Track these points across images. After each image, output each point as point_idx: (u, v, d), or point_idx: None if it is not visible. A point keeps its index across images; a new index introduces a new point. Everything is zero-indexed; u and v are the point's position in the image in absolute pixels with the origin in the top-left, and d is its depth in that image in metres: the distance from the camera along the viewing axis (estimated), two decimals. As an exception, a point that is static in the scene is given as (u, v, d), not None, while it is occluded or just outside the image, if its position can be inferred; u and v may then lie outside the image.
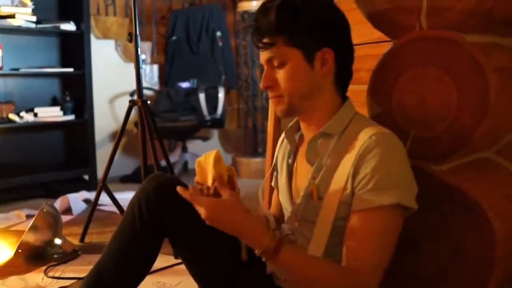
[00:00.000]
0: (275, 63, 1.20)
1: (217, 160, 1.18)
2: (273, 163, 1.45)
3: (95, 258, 1.41)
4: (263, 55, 1.22)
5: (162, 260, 2.12)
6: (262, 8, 1.20)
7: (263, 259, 1.11)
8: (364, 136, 1.15)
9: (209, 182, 1.19)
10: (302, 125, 1.30)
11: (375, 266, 1.12)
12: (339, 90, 1.25)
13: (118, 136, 2.50)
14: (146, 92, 4.66)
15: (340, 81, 1.25)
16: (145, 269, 1.40)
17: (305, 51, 1.18)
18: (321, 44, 1.19)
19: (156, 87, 4.87)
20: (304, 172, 1.27)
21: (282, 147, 1.40)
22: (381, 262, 1.13)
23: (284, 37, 1.18)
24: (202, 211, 1.12)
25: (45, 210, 2.32)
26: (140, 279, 1.40)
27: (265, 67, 1.23)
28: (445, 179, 1.26)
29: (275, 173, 1.44)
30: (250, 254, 1.29)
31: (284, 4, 1.17)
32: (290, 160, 1.34)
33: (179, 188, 1.17)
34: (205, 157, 1.21)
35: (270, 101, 1.28)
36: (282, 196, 1.35)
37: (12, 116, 3.60)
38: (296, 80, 1.20)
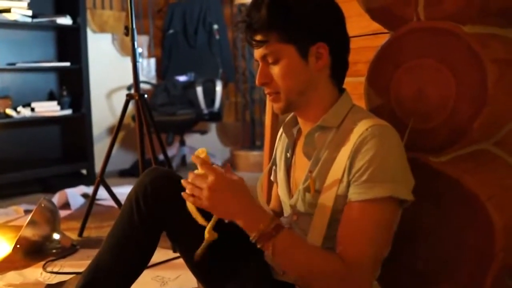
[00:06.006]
0: (270, 59, 1.19)
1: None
2: (272, 157, 1.45)
3: (94, 252, 1.41)
4: (257, 52, 1.21)
5: (160, 254, 2.12)
6: (254, 4, 1.19)
7: (259, 245, 1.10)
8: (361, 128, 1.15)
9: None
10: (299, 119, 1.30)
11: (369, 257, 1.11)
12: (335, 83, 1.25)
13: (115, 131, 2.50)
14: (143, 86, 4.65)
15: (336, 74, 1.24)
16: (143, 263, 1.40)
17: (299, 46, 1.17)
18: (314, 39, 1.18)
19: (154, 81, 4.86)
20: (302, 165, 1.27)
21: (281, 141, 1.40)
22: (376, 254, 1.12)
23: (277, 33, 1.16)
24: (209, 180, 1.10)
25: (43, 205, 2.32)
26: (138, 273, 1.40)
27: (260, 63, 1.22)
28: (443, 171, 1.26)
29: (274, 167, 1.44)
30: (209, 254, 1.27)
31: (276, 0, 1.16)
32: (288, 154, 1.34)
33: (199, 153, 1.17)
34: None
35: (267, 98, 1.27)
36: (281, 189, 1.35)
37: (9, 111, 3.59)
38: (291, 76, 1.19)
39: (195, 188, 1.13)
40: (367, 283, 1.12)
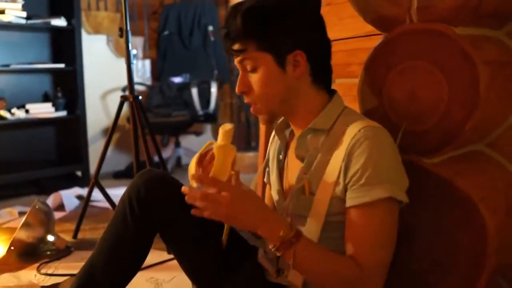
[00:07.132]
0: (248, 68, 1.20)
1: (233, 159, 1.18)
2: (265, 159, 1.45)
3: (88, 254, 1.41)
4: (236, 60, 1.21)
5: (155, 256, 2.12)
6: (231, 12, 1.18)
7: (279, 253, 1.09)
8: (354, 130, 1.15)
9: (224, 178, 1.18)
10: (290, 123, 1.30)
11: (381, 258, 1.12)
12: (321, 87, 1.24)
13: (109, 132, 2.49)
14: (138, 87, 4.64)
15: (318, 79, 1.23)
16: (136, 265, 1.40)
17: (276, 55, 1.17)
18: (291, 47, 1.17)
19: (149, 82, 4.85)
20: (294, 167, 1.27)
21: (274, 143, 1.40)
22: (385, 255, 1.13)
23: (254, 42, 1.16)
24: (224, 196, 1.07)
25: (37, 207, 2.31)
26: (132, 274, 1.40)
27: (240, 71, 1.22)
28: (436, 173, 1.27)
29: (267, 169, 1.44)
30: (230, 242, 1.28)
31: (251, 9, 1.15)
32: (281, 156, 1.34)
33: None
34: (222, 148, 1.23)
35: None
36: (274, 191, 1.35)
37: (3, 113, 3.58)
38: (268, 85, 1.19)
39: (209, 204, 1.09)
40: (380, 284, 1.13)
